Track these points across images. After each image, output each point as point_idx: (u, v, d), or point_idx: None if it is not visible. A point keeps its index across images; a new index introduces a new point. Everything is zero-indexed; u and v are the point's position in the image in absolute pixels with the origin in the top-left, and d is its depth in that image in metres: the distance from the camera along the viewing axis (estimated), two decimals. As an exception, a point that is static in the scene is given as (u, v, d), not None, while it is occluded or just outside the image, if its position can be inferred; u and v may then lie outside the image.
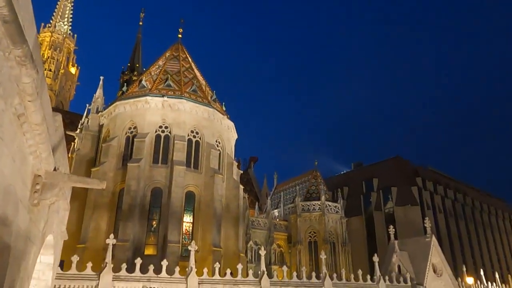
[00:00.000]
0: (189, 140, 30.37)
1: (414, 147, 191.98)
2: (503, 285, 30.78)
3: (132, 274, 15.74)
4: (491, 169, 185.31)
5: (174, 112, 30.45)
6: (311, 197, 45.45)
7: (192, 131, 30.80)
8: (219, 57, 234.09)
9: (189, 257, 17.53)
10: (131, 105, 30.82)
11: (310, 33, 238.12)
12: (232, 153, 34.52)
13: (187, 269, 17.06)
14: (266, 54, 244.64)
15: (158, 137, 29.89)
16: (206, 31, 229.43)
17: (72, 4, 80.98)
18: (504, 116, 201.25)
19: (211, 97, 34.15)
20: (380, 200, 54.72)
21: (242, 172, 38.09)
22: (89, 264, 15.15)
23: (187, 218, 28.85)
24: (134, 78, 48.88)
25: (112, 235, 16.54)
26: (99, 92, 34.31)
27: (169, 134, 29.96)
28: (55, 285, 13.20)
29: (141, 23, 57.97)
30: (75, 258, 14.90)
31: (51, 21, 75.51)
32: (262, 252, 19.89)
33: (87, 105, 35.73)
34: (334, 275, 21.03)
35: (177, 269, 17.05)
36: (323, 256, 21.58)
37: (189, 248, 17.63)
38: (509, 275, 40.71)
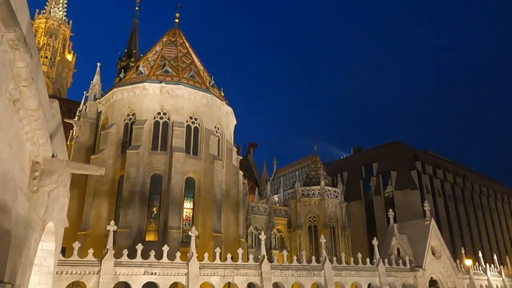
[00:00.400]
0: (188, 127, 30.24)
1: (414, 131, 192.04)
2: (501, 266, 31.13)
3: (134, 260, 15.84)
4: (490, 152, 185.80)
5: (172, 98, 30.24)
6: (311, 182, 45.58)
7: (190, 117, 30.65)
8: (217, 42, 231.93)
9: (189, 243, 17.61)
10: (129, 91, 30.59)
11: (309, 18, 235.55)
12: (231, 139, 34.44)
13: (188, 255, 17.17)
14: (265, 39, 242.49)
15: (156, 123, 29.74)
16: (203, 15, 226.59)
17: (67, -11, 79.69)
18: (503, 99, 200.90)
19: (209, 83, 33.89)
20: (379, 185, 54.92)
21: (241, 158, 38.08)
22: (91, 251, 15.23)
23: (187, 204, 28.93)
24: (132, 64, 48.47)
25: (112, 222, 16.58)
26: (96, 79, 34.01)
27: (168, 121, 29.81)
28: (57, 271, 13.29)
29: (137, 8, 57.21)
30: (76, 245, 14.97)
31: (45, 7, 74.38)
32: (263, 237, 20.00)
33: (85, 92, 35.49)
34: (334, 259, 21.22)
35: (178, 254, 17.15)
36: (322, 240, 21.72)
37: (190, 233, 17.70)
38: (507, 257, 41.14)
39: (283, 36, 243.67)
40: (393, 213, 26.28)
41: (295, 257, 20.49)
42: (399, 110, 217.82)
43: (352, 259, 22.31)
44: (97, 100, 32.68)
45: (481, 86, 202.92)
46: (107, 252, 15.27)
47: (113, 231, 16.13)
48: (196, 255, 17.10)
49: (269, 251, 33.26)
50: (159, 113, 29.97)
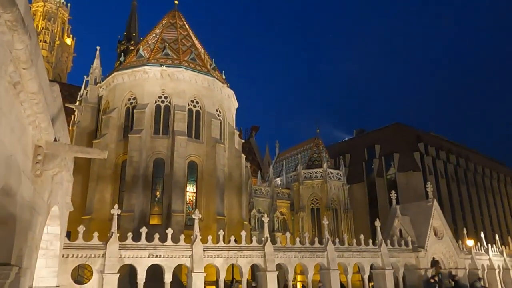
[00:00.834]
0: (190, 110, 30.13)
1: (417, 112, 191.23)
2: (503, 246, 31.35)
3: (139, 243, 15.96)
4: (494, 133, 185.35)
5: (173, 81, 30.04)
6: (313, 164, 45.66)
7: (192, 101, 30.51)
8: (217, 24, 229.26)
9: (193, 226, 17.72)
10: (130, 75, 30.38)
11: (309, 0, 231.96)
12: (233, 122, 34.35)
13: (192, 237, 17.29)
14: (266, 20, 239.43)
15: (158, 107, 29.64)
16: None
17: (64, -28, 78.35)
18: (506, 79, 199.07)
19: (210, 66, 33.60)
20: (382, 167, 54.93)
21: (243, 141, 38.07)
22: (96, 234, 15.35)
23: (190, 188, 29.07)
24: (131, 47, 48.05)
25: (116, 205, 16.66)
26: (96, 62, 33.76)
27: (169, 104, 29.69)
28: (63, 255, 13.42)
29: (136, -10, 56.37)
30: (81, 228, 15.08)
31: (43, -10, 73.33)
32: (266, 219, 20.09)
33: (85, 76, 35.29)
34: (337, 240, 21.35)
35: (182, 237, 17.27)
36: (325, 222, 21.81)
37: (193, 216, 17.79)
38: (509, 237, 41.44)
39: (285, 17, 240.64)
40: (395, 195, 26.31)
41: (298, 239, 20.60)
42: (402, 91, 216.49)
43: (354, 240, 22.44)
44: (98, 85, 32.53)
45: (484, 66, 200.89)
46: (111, 235, 15.38)
47: (117, 215, 16.21)
48: (200, 237, 17.21)
49: (272, 233, 33.55)
50: (160, 97, 29.82)
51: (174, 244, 16.73)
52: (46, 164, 7.32)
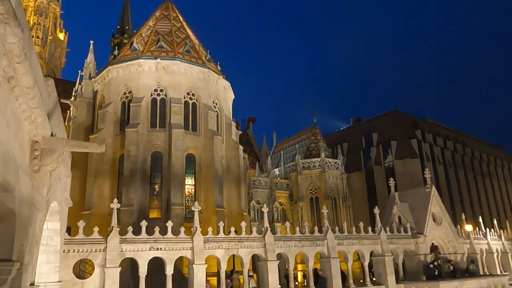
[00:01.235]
0: (186, 103, 29.99)
1: (413, 99, 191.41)
2: (501, 230, 31.64)
3: (139, 236, 15.97)
4: (490, 118, 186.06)
5: (168, 74, 29.84)
6: (311, 154, 45.72)
7: (188, 93, 30.35)
8: (212, 14, 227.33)
9: (193, 219, 17.74)
10: (124, 69, 30.15)
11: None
12: (230, 114, 34.24)
13: (192, 229, 17.32)
14: (261, 10, 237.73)
15: (154, 100, 29.48)
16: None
17: (54, -35, 77.18)
18: (503, 65, 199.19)
19: (205, 57, 33.36)
20: (379, 155, 55.05)
21: (241, 132, 38.01)
22: (96, 229, 15.35)
23: (189, 181, 29.06)
24: (125, 41, 47.66)
25: (116, 200, 16.64)
26: (90, 57, 33.44)
27: (165, 97, 29.53)
28: (64, 250, 13.42)
29: (127, -18, 55.68)
30: (81, 224, 15.07)
31: (33, -15, 72.27)
32: (265, 209, 20.13)
33: (79, 71, 34.97)
34: (336, 229, 21.44)
35: (182, 229, 17.30)
36: (324, 210, 21.89)
37: (193, 208, 17.80)
38: (507, 221, 41.85)
39: (280, 6, 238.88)
40: (394, 182, 26.42)
41: (297, 228, 20.68)
42: (398, 79, 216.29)
43: (354, 228, 22.56)
44: (93, 79, 32.27)
45: (481, 52, 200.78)
46: (112, 229, 15.38)
47: (117, 210, 16.19)
48: (200, 229, 17.25)
49: (272, 224, 33.66)
50: (156, 90, 29.64)
51: (175, 236, 16.76)
52: (43, 160, 7.26)
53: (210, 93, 31.42)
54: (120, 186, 27.41)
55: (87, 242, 14.97)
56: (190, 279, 16.79)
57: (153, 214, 27.11)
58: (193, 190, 28.95)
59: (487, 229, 29.77)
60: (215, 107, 31.55)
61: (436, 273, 22.38)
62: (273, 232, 19.49)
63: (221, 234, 18.04)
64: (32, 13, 68.57)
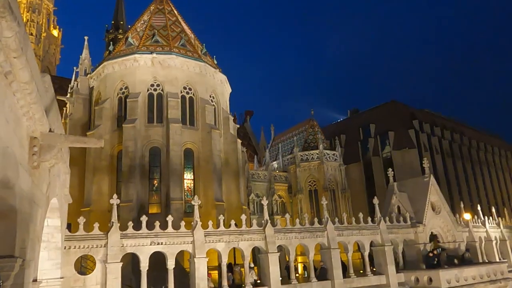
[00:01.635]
0: (183, 97, 29.88)
1: (410, 90, 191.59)
2: (499, 218, 31.86)
3: (140, 231, 15.96)
4: (487, 107, 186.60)
5: (164, 69, 29.69)
6: (309, 146, 45.75)
7: (184, 88, 30.23)
8: (207, 7, 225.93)
9: (192, 213, 17.75)
10: (120, 64, 29.96)
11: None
12: (227, 107, 34.15)
13: (192, 223, 17.33)
14: (256, 2, 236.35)
15: (150, 95, 29.36)
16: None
17: (46, -39, 76.27)
18: (499, 54, 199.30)
19: (201, 51, 33.18)
20: (377, 146, 55.16)
21: (238, 126, 37.95)
22: (96, 225, 15.33)
23: (188, 175, 29.04)
24: (120, 36, 47.22)
25: (115, 195, 16.60)
26: (85, 53, 33.18)
27: (162, 92, 29.41)
28: (65, 247, 13.41)
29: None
30: (81, 220, 15.04)
31: (25, -19, 71.46)
32: (265, 202, 20.14)
33: (75, 68, 34.74)
34: (336, 220, 21.51)
35: (183, 223, 17.30)
36: (324, 202, 21.93)
37: (193, 202, 17.79)
38: (505, 209, 42.16)
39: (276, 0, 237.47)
40: (392, 172, 26.50)
41: (297, 220, 20.74)
42: (395, 69, 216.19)
43: (353, 219, 22.63)
44: (88, 75, 32.07)
45: (477, 42, 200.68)
46: (112, 225, 15.36)
47: (116, 205, 16.16)
48: (201, 223, 17.26)
49: (271, 217, 33.71)
50: (152, 85, 29.51)
51: (175, 231, 16.77)
52: (42, 156, 7.22)
53: (207, 87, 31.30)
54: (119, 182, 27.37)
55: (88, 238, 14.95)
56: (191, 273, 16.84)
57: (153, 209, 27.11)
58: (192, 185, 28.94)
59: (486, 217, 29.97)
60: (212, 101, 31.45)
61: (436, 261, 22.54)
62: (273, 224, 19.54)
63: (222, 228, 18.06)
64: (25, 9, 67.92)
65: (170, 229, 16.68)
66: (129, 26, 42.24)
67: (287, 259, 20.27)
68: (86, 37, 33.99)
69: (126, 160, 26.85)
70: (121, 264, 15.12)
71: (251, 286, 17.91)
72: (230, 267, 20.11)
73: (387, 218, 23.09)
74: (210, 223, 17.84)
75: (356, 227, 21.95)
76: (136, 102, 28.25)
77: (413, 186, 25.97)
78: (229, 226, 18.38)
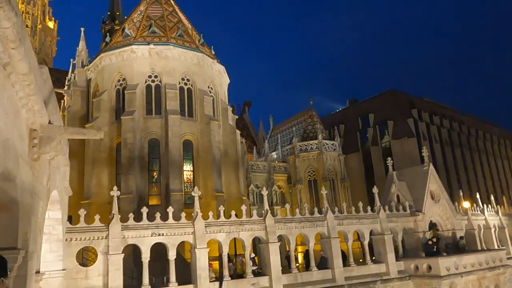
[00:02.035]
0: (181, 88, 29.72)
1: (409, 79, 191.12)
2: (498, 206, 32.05)
3: (141, 223, 16.03)
4: (485, 95, 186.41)
5: (162, 60, 29.48)
6: (308, 136, 45.74)
7: (182, 79, 30.05)
8: None
9: (192, 204, 17.80)
10: (117, 56, 29.72)
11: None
12: (226, 98, 34.01)
13: (192, 214, 17.39)
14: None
15: (148, 87, 29.18)
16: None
17: (40, -49, 75.18)
18: (498, 41, 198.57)
19: (199, 41, 32.92)
20: (376, 135, 55.18)
21: (237, 117, 37.83)
22: (97, 217, 15.37)
23: (187, 167, 29.02)
24: (117, 27, 46.87)
25: (115, 187, 16.62)
26: (81, 45, 32.87)
27: (160, 84, 29.23)
28: (66, 239, 13.45)
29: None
30: (82, 212, 15.07)
31: (19, -28, 70.49)
32: (264, 192, 20.21)
33: (71, 60, 34.46)
34: (336, 209, 21.61)
35: (183, 215, 17.36)
36: (323, 191, 22.01)
37: (193, 193, 17.84)
38: (504, 197, 42.39)
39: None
40: (391, 162, 26.56)
41: (297, 210, 20.84)
42: (394, 58, 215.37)
43: (353, 208, 22.74)
44: (85, 67, 31.82)
45: (475, 30, 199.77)
46: (113, 217, 15.41)
47: (116, 198, 16.18)
48: (201, 214, 17.32)
49: (271, 207, 33.82)
50: (150, 76, 29.32)
51: (176, 222, 16.83)
52: (42, 148, 7.20)
53: (205, 78, 31.13)
54: (119, 174, 27.34)
55: (89, 230, 15.01)
56: (192, 263, 16.95)
57: (153, 201, 27.14)
58: (191, 176, 28.94)
59: (484, 205, 30.14)
60: (210, 92, 31.30)
61: (435, 249, 22.72)
62: (273, 215, 19.62)
63: (222, 218, 18.13)
64: (20, 1, 67.09)
65: (170, 220, 16.74)
66: (126, 17, 41.95)
67: (287, 249, 20.39)
68: (82, 29, 33.63)
69: (125, 152, 26.79)
70: (122, 255, 15.21)
71: (252, 276, 18.05)
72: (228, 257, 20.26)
73: (386, 207, 23.21)
74: (210, 214, 17.89)
75: (355, 216, 22.07)
76: (134, 94, 28.10)
77: (412, 175, 26.06)
78: (230, 216, 18.45)
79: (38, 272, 8.33)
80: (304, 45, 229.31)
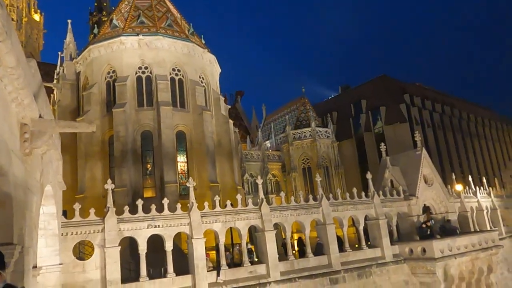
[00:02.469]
0: (172, 79, 29.45)
1: (401, 64, 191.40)
2: (490, 188, 32.49)
3: (136, 215, 15.98)
4: (476, 78, 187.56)
5: (151, 50, 29.13)
6: (301, 124, 45.78)
7: (173, 69, 29.77)
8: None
9: (187, 195, 17.76)
10: (106, 47, 29.30)
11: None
12: (218, 88, 33.80)
13: (188, 205, 17.36)
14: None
15: (139, 79, 28.88)
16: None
17: None
18: (489, 24, 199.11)
19: (188, 31, 32.54)
20: (369, 121, 55.40)
21: (230, 107, 37.68)
22: (92, 210, 15.29)
23: (181, 158, 28.93)
24: (104, 18, 46.18)
25: (109, 180, 16.51)
26: (69, 37, 32.32)
27: (150, 75, 28.94)
28: (62, 233, 13.37)
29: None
30: (77, 206, 14.98)
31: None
32: (259, 181, 20.23)
33: (59, 53, 33.89)
34: (330, 195, 21.74)
35: (179, 206, 17.34)
36: (318, 179, 22.09)
37: (188, 184, 17.80)
38: (495, 179, 42.97)
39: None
40: (385, 147, 26.70)
41: (292, 198, 20.92)
42: (385, 44, 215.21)
43: (347, 194, 22.88)
44: (74, 60, 31.36)
45: (467, 14, 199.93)
46: (108, 210, 15.34)
47: (111, 191, 16.09)
48: (197, 204, 17.31)
49: (266, 196, 33.88)
50: (140, 68, 29.01)
51: (172, 213, 16.81)
52: (34, 142, 7.10)
53: (196, 68, 30.87)
54: (112, 168, 27.18)
55: (85, 224, 14.93)
56: (190, 254, 16.98)
57: (148, 193, 27.08)
58: (185, 167, 28.88)
59: (477, 188, 30.52)
60: (202, 82, 31.08)
61: (429, 232, 23.02)
62: (268, 203, 19.67)
63: (218, 208, 18.13)
64: (4, -6, 65.71)
65: (166, 211, 16.71)
66: (113, 8, 41.22)
67: (283, 236, 20.54)
68: (69, 21, 33.01)
69: (118, 145, 26.60)
70: (119, 248, 15.18)
71: (250, 264, 18.16)
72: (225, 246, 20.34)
73: (380, 192, 23.39)
74: (206, 204, 17.88)
75: (350, 202, 22.21)
76: (124, 86, 27.79)
77: (406, 160, 26.24)
78: (225, 206, 18.46)
79: (35, 267, 8.29)
80: (296, 32, 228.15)
